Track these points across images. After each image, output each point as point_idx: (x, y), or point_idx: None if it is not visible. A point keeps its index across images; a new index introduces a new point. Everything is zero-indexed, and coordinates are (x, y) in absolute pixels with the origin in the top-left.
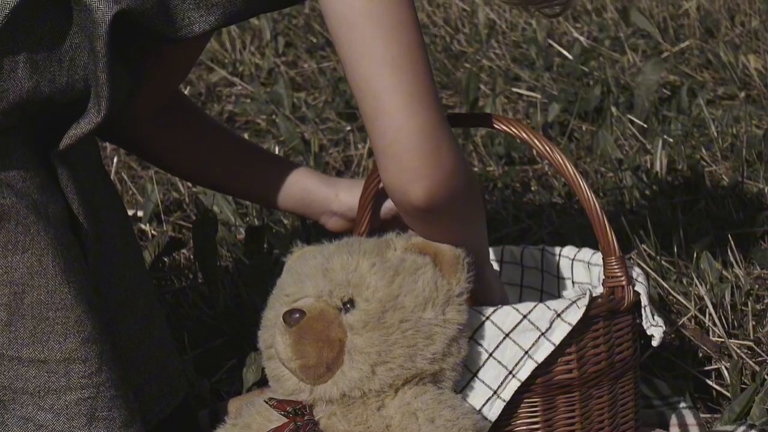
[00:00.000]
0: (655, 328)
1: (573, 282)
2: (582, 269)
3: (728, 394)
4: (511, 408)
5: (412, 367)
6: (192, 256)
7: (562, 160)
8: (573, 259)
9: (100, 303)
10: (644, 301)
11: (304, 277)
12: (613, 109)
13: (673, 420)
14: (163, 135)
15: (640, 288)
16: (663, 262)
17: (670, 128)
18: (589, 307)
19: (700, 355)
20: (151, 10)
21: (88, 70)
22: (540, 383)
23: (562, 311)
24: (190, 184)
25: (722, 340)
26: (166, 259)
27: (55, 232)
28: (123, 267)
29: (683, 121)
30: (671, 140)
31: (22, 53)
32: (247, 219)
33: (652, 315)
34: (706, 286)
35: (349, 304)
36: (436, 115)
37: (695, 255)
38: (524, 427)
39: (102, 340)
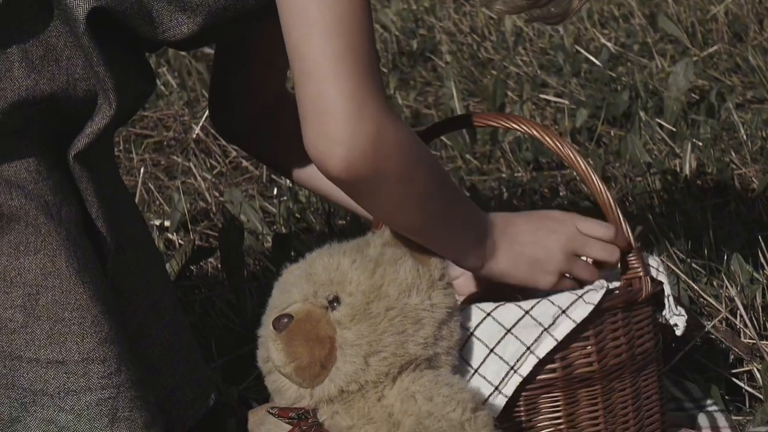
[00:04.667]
0: (677, 317)
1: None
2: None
3: (760, 396)
4: (532, 404)
5: (404, 353)
6: (219, 265)
7: (572, 153)
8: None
9: (117, 306)
10: (667, 290)
11: (290, 286)
12: (642, 114)
13: (705, 422)
14: (273, 136)
15: (663, 278)
16: (693, 265)
17: (699, 132)
18: (600, 303)
19: (732, 357)
20: (130, 9)
21: (87, 68)
22: (560, 377)
23: (567, 307)
24: (216, 193)
25: (753, 341)
26: (193, 268)
27: (67, 234)
28: (147, 273)
29: (712, 125)
30: (700, 144)
31: (16, 53)
32: (274, 227)
33: (675, 305)
34: (736, 288)
35: (334, 301)
36: (364, 79)
37: (726, 257)
38: (547, 423)
39: (120, 342)
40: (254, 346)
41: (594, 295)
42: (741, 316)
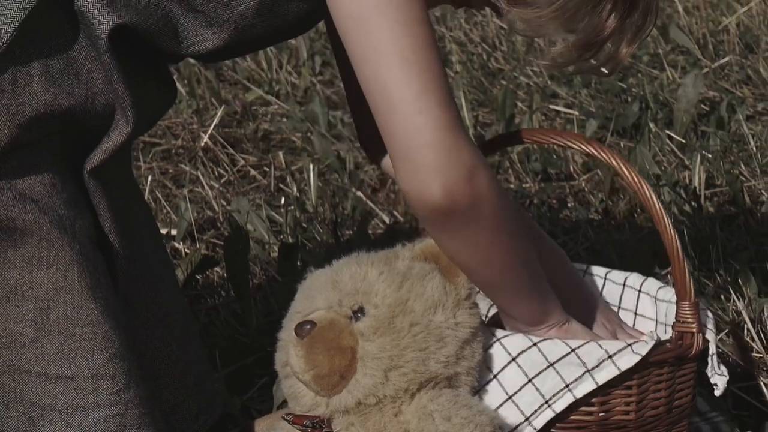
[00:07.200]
0: (719, 378)
1: (636, 314)
2: (648, 303)
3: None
4: None
5: (425, 371)
6: (225, 274)
7: (649, 194)
8: (639, 290)
9: (127, 321)
10: (712, 349)
11: (314, 292)
12: (652, 125)
13: None
14: None
15: (710, 336)
16: (701, 278)
17: (709, 144)
18: (648, 355)
19: (739, 371)
20: (156, 26)
21: (107, 82)
22: (595, 421)
23: (614, 353)
24: (224, 202)
25: (761, 355)
26: (199, 277)
27: (80, 248)
28: (158, 285)
29: (722, 137)
30: (710, 156)
31: (37, 67)
32: (281, 236)
33: (718, 365)
34: (744, 301)
35: (359, 312)
36: (450, 111)
37: (734, 270)
38: None
39: (129, 358)
40: (258, 356)
41: (643, 346)
42: (748, 329)
